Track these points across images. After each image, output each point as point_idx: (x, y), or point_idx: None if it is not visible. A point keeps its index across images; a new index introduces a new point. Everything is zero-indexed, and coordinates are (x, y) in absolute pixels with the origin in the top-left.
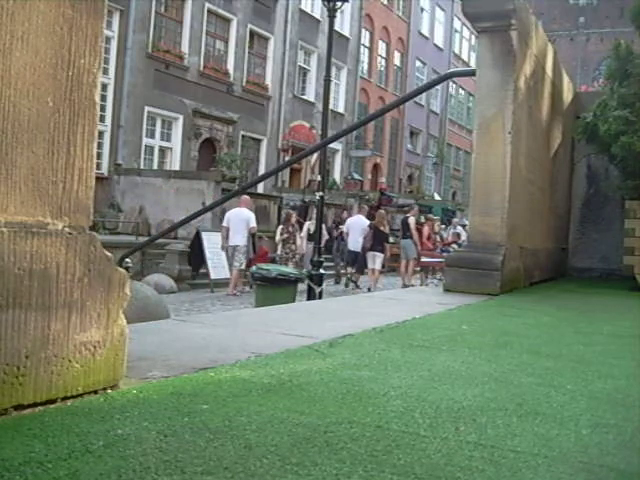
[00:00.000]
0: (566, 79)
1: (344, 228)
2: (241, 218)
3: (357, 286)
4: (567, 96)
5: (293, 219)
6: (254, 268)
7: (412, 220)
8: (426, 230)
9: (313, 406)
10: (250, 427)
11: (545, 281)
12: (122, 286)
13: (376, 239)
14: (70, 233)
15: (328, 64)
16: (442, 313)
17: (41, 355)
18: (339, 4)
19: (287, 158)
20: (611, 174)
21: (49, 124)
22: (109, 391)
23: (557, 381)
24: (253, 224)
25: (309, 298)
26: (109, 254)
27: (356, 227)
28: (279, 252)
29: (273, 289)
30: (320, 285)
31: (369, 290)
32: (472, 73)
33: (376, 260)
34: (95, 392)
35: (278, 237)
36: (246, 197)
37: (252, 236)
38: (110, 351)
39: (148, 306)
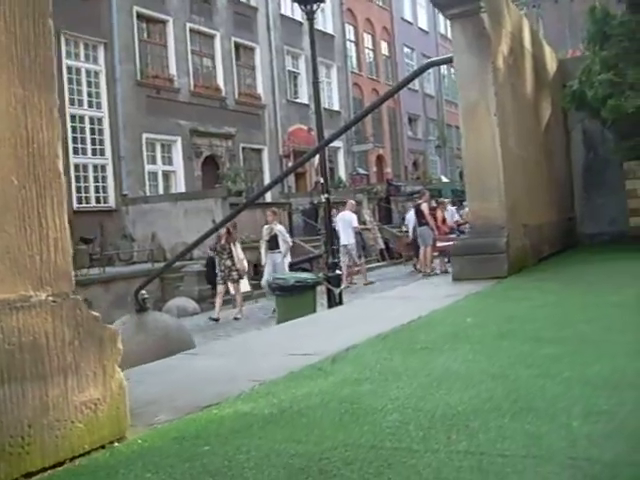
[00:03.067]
0: (547, 49)
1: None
2: (346, 220)
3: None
4: (551, 66)
5: (222, 231)
6: (270, 278)
7: (425, 206)
8: (440, 214)
9: (311, 433)
10: (248, 464)
11: (555, 254)
12: (114, 342)
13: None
14: (54, 301)
15: (314, 67)
16: (449, 307)
17: (43, 422)
18: (316, 6)
19: (290, 164)
20: (607, 137)
21: (17, 201)
22: (115, 444)
23: (555, 369)
24: (355, 224)
25: (329, 300)
26: (96, 314)
27: (345, 222)
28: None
29: (293, 297)
30: (339, 286)
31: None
32: (450, 60)
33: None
34: (102, 447)
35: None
36: (350, 201)
37: (359, 234)
38: (111, 406)
39: (170, 334)
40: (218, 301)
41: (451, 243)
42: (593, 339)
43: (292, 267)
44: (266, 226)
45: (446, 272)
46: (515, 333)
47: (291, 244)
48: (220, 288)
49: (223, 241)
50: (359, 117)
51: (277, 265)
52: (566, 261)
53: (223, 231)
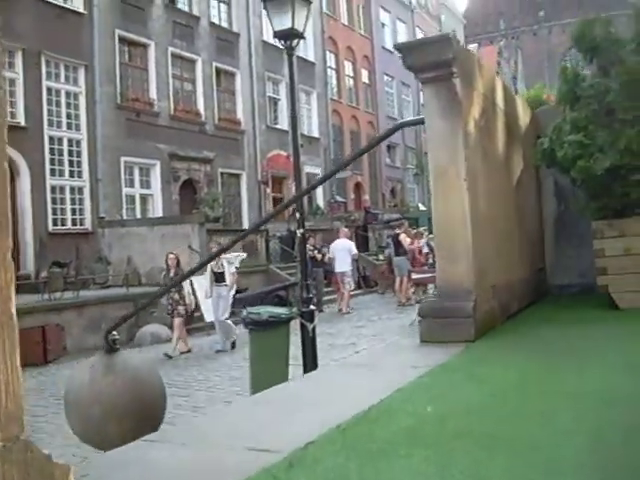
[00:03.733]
0: (520, 102)
1: (329, 253)
2: (344, 248)
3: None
4: (524, 119)
5: (170, 260)
6: (244, 312)
7: (403, 236)
8: (416, 244)
9: None
10: None
11: (524, 308)
12: (65, 478)
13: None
14: (4, 446)
15: (293, 100)
16: (412, 385)
17: None
18: (296, 42)
19: (268, 190)
20: (577, 192)
21: None
22: None
23: None
24: (355, 251)
25: (302, 336)
26: (47, 452)
27: (341, 250)
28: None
29: (266, 332)
30: (312, 322)
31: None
32: (422, 122)
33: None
34: None
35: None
36: (344, 229)
37: (355, 261)
38: None
39: (139, 377)
40: (175, 335)
41: (427, 275)
42: (544, 444)
43: (268, 294)
44: (172, 272)
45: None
46: (472, 431)
47: (236, 277)
48: (175, 322)
49: (172, 273)
50: (336, 170)
51: (222, 299)
52: (534, 320)
53: (172, 262)
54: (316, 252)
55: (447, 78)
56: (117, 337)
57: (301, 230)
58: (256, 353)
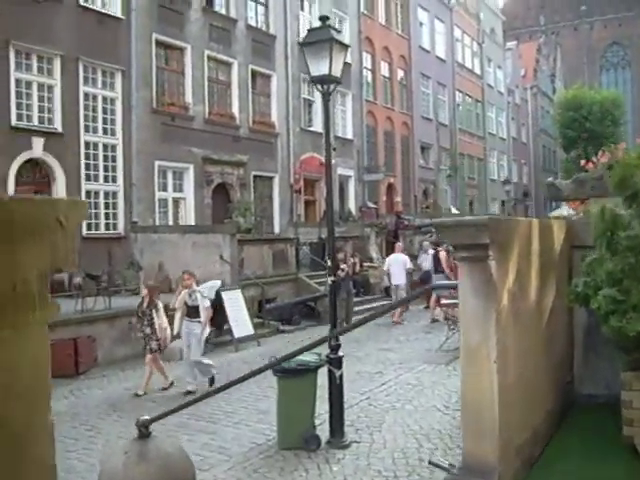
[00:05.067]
0: (557, 225)
1: (384, 266)
2: (399, 261)
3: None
4: (559, 237)
5: (145, 292)
6: (273, 360)
7: (443, 255)
8: (445, 259)
9: None
10: None
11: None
12: None
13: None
14: None
15: (327, 140)
16: None
17: None
18: (332, 87)
19: (300, 193)
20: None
21: None
22: None
23: None
24: (409, 265)
25: (330, 382)
26: None
27: (397, 264)
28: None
29: (295, 380)
30: (340, 368)
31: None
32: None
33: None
34: None
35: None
36: (399, 244)
37: (409, 274)
38: None
39: (171, 464)
40: (146, 372)
41: (455, 301)
42: None
43: (297, 305)
44: (184, 290)
45: (449, 322)
46: None
47: (210, 312)
48: (147, 358)
49: (145, 305)
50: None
51: (193, 337)
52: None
53: (145, 292)
54: (346, 267)
55: (482, 260)
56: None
57: (333, 278)
58: (284, 400)
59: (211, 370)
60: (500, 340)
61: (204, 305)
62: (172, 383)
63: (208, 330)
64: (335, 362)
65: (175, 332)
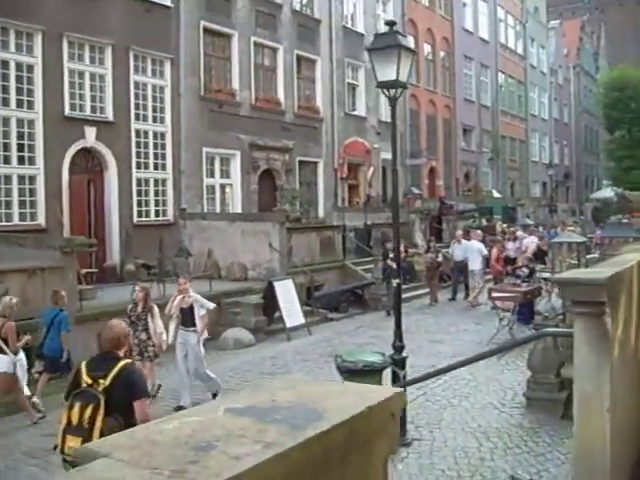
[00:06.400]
0: None
1: (457, 251)
2: (475, 248)
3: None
4: None
5: (137, 294)
6: (339, 360)
7: (495, 252)
8: (495, 252)
9: None
10: None
11: None
12: None
13: None
14: None
15: (394, 148)
16: None
17: None
18: (399, 92)
19: (344, 176)
20: None
21: None
22: None
23: None
24: (485, 252)
25: (393, 382)
26: None
27: (474, 251)
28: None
29: (360, 380)
30: (403, 369)
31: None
32: (569, 334)
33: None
34: None
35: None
36: (477, 232)
37: (486, 260)
38: None
39: None
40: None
41: (507, 295)
42: None
43: (344, 293)
44: (179, 296)
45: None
46: None
47: (206, 321)
48: (146, 366)
49: (139, 309)
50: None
51: (191, 348)
52: None
53: (140, 295)
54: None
55: (599, 316)
56: None
57: (398, 280)
58: None
59: (216, 385)
60: (613, 388)
61: (199, 313)
62: (159, 386)
63: (203, 339)
64: (399, 363)
65: (170, 341)
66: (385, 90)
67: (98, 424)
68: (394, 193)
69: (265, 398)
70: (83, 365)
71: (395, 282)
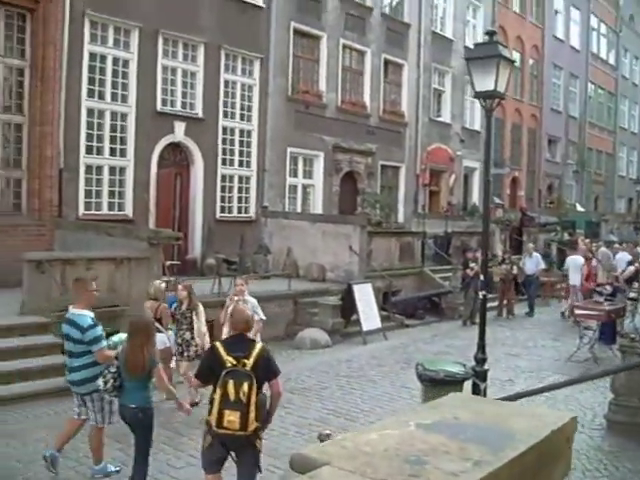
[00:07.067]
0: None
1: (528, 264)
2: (576, 264)
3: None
4: None
5: (180, 293)
6: (420, 368)
7: (585, 269)
8: (585, 269)
9: None
10: None
11: None
12: None
13: None
14: None
15: (487, 168)
16: None
17: None
18: (495, 102)
19: (426, 183)
20: None
21: None
22: None
23: None
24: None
25: (473, 394)
26: None
27: (575, 265)
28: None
29: (440, 390)
30: (485, 381)
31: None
32: None
33: None
34: None
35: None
36: (582, 247)
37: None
38: None
39: None
40: (186, 382)
41: (591, 313)
42: None
43: (421, 299)
44: (233, 303)
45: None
46: None
47: (261, 325)
48: (183, 366)
49: (184, 307)
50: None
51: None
52: None
53: (183, 294)
54: (475, 266)
55: None
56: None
57: (484, 292)
58: None
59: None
60: None
61: (254, 318)
62: (198, 403)
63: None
64: (481, 375)
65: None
66: (482, 100)
67: (253, 398)
68: (485, 203)
69: (447, 415)
70: (219, 345)
71: (481, 294)
